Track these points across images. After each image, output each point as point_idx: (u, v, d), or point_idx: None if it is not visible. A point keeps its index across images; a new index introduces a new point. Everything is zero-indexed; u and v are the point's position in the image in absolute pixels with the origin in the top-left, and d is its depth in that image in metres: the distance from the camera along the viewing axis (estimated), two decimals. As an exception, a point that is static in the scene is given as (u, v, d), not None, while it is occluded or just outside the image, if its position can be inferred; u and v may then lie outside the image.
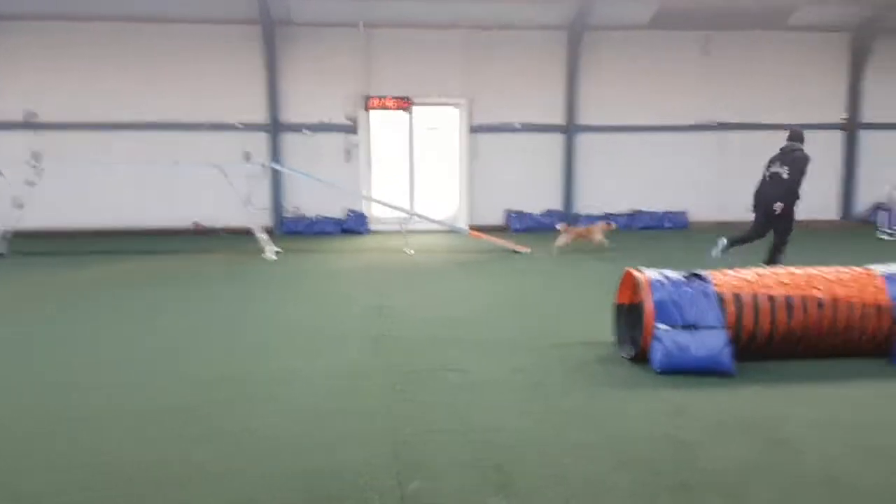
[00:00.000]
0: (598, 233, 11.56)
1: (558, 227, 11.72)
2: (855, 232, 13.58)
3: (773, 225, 9.21)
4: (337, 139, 14.54)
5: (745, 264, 6.24)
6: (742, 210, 14.73)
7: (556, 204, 14.89)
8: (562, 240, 11.38)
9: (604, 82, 14.65)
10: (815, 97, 14.81)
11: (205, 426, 4.22)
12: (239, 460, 3.75)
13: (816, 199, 14.86)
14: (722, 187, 14.82)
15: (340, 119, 14.53)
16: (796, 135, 9.37)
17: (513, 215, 14.66)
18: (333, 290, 8.75)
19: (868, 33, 14.29)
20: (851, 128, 14.83)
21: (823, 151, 14.92)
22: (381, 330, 6.57)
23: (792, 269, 5.73)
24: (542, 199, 14.90)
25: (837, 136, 14.93)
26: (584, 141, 14.78)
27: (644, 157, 14.87)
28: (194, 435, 4.09)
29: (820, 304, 5.41)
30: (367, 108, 14.42)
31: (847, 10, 13.95)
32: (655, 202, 14.87)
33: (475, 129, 14.67)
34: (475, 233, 12.52)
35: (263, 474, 3.59)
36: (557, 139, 14.79)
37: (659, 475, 3.61)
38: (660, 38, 14.50)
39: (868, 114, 14.78)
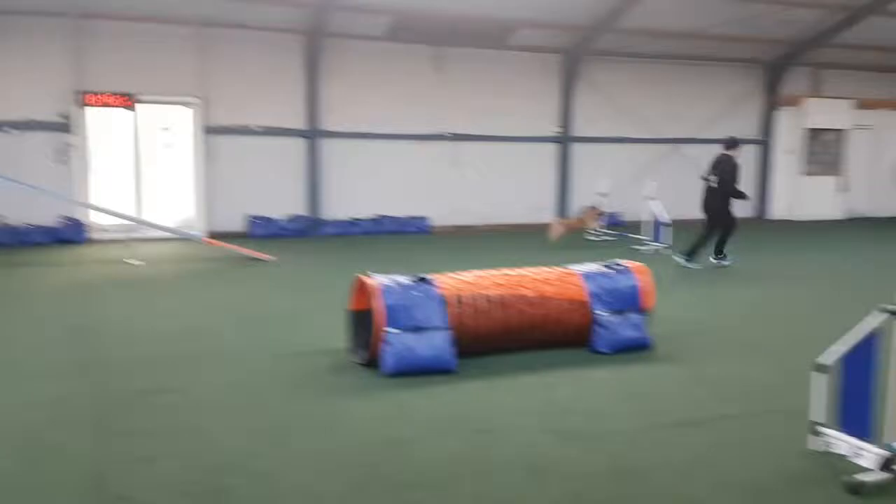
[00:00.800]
0: (590, 220, 13.43)
1: (552, 221, 13.19)
2: (572, 235, 15.09)
3: (718, 223, 10.44)
4: (47, 138, 13.02)
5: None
6: (480, 216, 15.93)
7: (302, 209, 14.72)
8: (556, 231, 12.54)
9: (345, 89, 14.77)
10: (535, 112, 16.29)
11: None
12: None
13: (538, 204, 16.41)
14: (459, 195, 15.70)
15: (52, 116, 13.02)
16: (728, 143, 10.58)
17: (255, 221, 14.22)
18: (38, 309, 7.77)
19: (577, 55, 16.04)
20: (564, 140, 16.54)
21: (543, 161, 16.51)
22: (92, 352, 5.96)
23: (506, 270, 6.20)
24: (286, 204, 14.63)
25: (553, 149, 16.55)
26: (327, 146, 14.79)
27: (386, 164, 15.25)
28: None
29: (529, 302, 5.91)
30: (83, 105, 13.06)
31: (559, 34, 15.52)
32: (399, 208, 15.32)
33: (211, 131, 13.99)
34: (211, 240, 11.92)
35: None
36: (300, 144, 14.63)
37: (376, 477, 3.68)
38: (397, 50, 14.98)
39: (577, 128, 16.59)
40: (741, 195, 10.47)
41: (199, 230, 13.47)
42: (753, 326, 7.12)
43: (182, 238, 12.49)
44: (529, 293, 5.94)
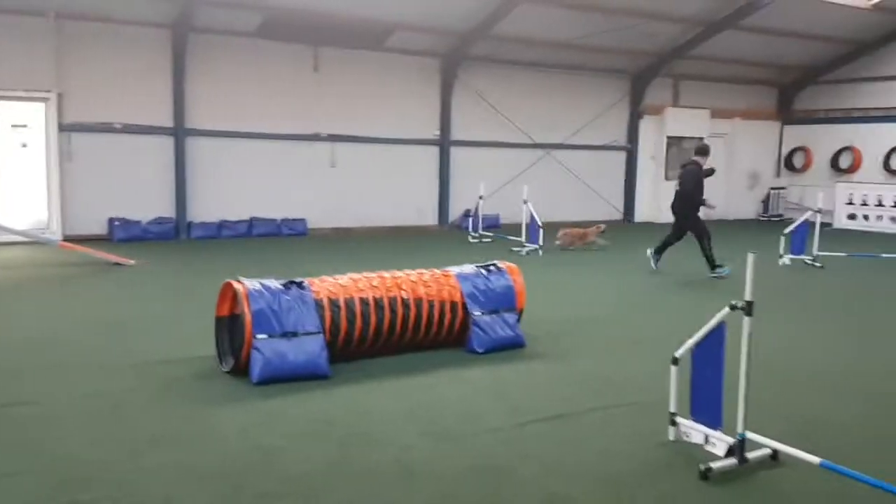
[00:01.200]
0: (592, 235, 13.23)
1: (559, 232, 13.05)
2: (450, 236, 15.30)
3: (684, 229, 10.35)
4: None
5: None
6: (359, 219, 15.78)
7: (168, 211, 14.05)
8: (564, 240, 12.58)
9: (215, 86, 14.24)
10: (415, 114, 16.37)
11: None
12: None
13: (418, 207, 16.50)
14: (337, 196, 15.51)
15: None
16: (697, 150, 10.51)
17: (116, 224, 13.42)
18: None
19: (455, 60, 16.25)
20: (444, 144, 16.71)
21: (422, 165, 16.59)
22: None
23: (383, 272, 6.16)
24: (151, 206, 13.90)
25: (433, 151, 16.69)
26: (195, 145, 14.20)
27: (260, 164, 14.83)
28: None
29: (406, 304, 5.91)
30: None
31: (436, 38, 15.67)
32: (273, 210, 14.93)
33: (68, 128, 13.09)
34: (67, 244, 11.15)
35: None
36: (166, 142, 13.96)
37: (240, 487, 3.55)
38: (270, 48, 14.61)
39: (455, 131, 16.81)
40: (701, 202, 10.18)
41: (54, 233, 12.57)
42: (622, 323, 7.45)
43: (36, 242, 11.60)
44: (406, 295, 5.94)
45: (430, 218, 16.79)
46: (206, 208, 14.36)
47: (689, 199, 10.09)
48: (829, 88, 20.05)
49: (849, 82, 19.47)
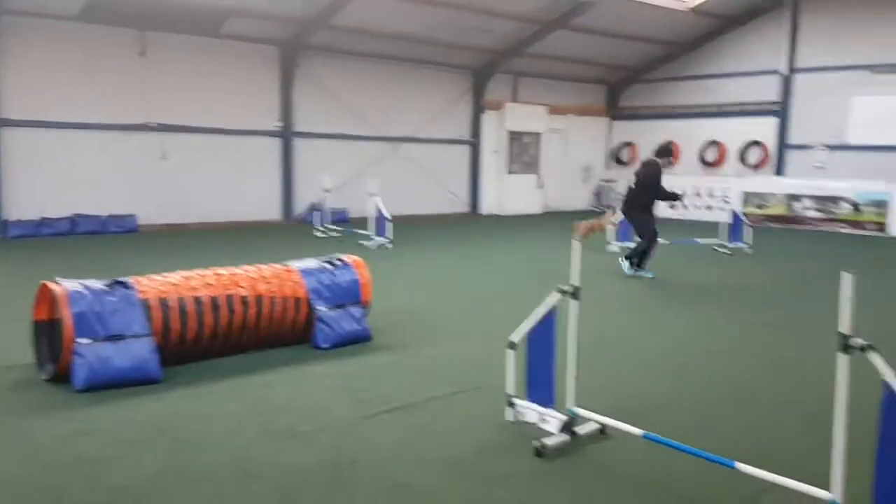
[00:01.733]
0: (607, 222, 12.75)
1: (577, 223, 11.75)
2: (296, 230, 14.98)
3: (636, 229, 10.05)
4: None
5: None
6: (196, 214, 15.03)
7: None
8: (581, 231, 11.31)
9: (31, 73, 13.05)
10: (254, 105, 15.84)
11: None
12: None
13: (260, 201, 16.02)
14: (170, 191, 14.71)
15: None
16: (658, 150, 10.00)
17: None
18: None
19: (295, 49, 15.89)
20: (287, 135, 16.31)
21: (263, 157, 16.11)
22: None
23: (219, 269, 5.91)
24: (-42, 203, 12.56)
25: (276, 143, 16.25)
26: (11, 137, 12.95)
27: (84, 156, 13.77)
28: None
29: (245, 302, 5.70)
30: None
31: (275, 25, 15.24)
32: (99, 206, 13.91)
33: None
34: None
35: None
36: (-26, 134, 12.65)
37: (62, 499, 3.29)
38: (94, 32, 13.59)
39: (299, 123, 16.46)
40: (671, 196, 9.95)
41: None
42: (471, 313, 7.63)
43: None
44: (244, 292, 5.73)
45: (274, 212, 16.38)
46: (24, 205, 13.17)
47: (646, 196, 9.67)
48: (651, 87, 21.60)
49: (669, 81, 21.07)
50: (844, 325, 2.89)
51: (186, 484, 3.53)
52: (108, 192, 14.05)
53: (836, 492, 3.01)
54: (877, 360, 2.84)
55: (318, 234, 13.96)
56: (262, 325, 5.84)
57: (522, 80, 20.27)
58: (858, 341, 2.87)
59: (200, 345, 5.53)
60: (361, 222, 13.69)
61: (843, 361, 2.93)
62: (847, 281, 2.86)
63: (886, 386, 2.84)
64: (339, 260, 6.49)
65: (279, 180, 16.38)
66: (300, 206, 16.51)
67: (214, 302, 5.54)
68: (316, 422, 4.37)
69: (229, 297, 5.63)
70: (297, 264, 6.32)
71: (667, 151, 9.93)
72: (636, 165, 21.47)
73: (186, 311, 5.39)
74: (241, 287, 5.75)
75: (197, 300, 5.46)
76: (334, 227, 14.30)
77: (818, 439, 3.91)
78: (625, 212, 10.16)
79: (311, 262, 6.40)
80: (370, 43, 16.49)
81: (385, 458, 3.87)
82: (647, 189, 9.65)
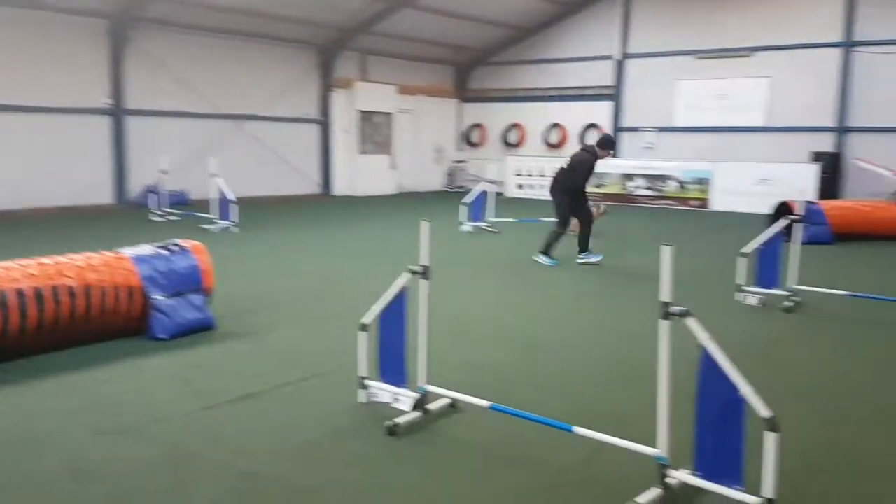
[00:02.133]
0: (597, 217, 11.11)
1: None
2: (130, 215, 14.08)
3: (567, 215, 9.53)
4: None
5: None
6: (16, 199, 13.68)
7: None
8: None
9: None
10: (82, 81, 14.64)
11: None
12: None
13: (91, 184, 14.89)
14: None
15: None
16: (600, 140, 9.54)
17: None
18: None
19: (126, 22, 14.81)
20: (118, 113, 15.21)
21: (92, 137, 14.96)
22: None
23: (42, 259, 5.43)
24: None
25: (106, 121, 15.12)
26: None
27: None
28: None
29: (72, 293, 5.29)
30: None
31: (102, -3, 14.16)
32: None
33: None
34: None
35: None
36: None
37: None
38: None
39: (132, 100, 15.40)
40: (582, 193, 9.53)
41: None
42: (321, 298, 7.48)
43: None
44: (71, 283, 5.31)
45: (106, 196, 15.29)
46: None
47: (572, 180, 9.40)
48: (497, 69, 22.16)
49: (514, 64, 21.71)
50: (665, 294, 3.10)
51: (12, 489, 3.23)
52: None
53: (661, 447, 3.25)
54: (693, 324, 3.08)
55: (156, 217, 13.20)
56: (93, 317, 5.44)
57: (371, 58, 20.12)
58: (677, 308, 3.09)
59: (25, 340, 5.08)
60: (204, 205, 13.07)
61: (664, 327, 3.15)
62: (666, 253, 3.07)
63: (702, 349, 3.08)
64: (177, 245, 6.15)
65: (111, 161, 15.29)
66: (135, 188, 15.52)
67: (38, 293, 5.09)
68: (154, 416, 4.14)
69: (54, 289, 5.19)
70: (129, 251, 5.93)
71: (608, 143, 9.64)
72: (486, 147, 22.20)
73: (7, 305, 4.91)
74: (68, 277, 5.32)
75: (19, 293, 4.99)
76: (173, 210, 13.56)
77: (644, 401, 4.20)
78: (550, 191, 9.69)
79: (145, 249, 6.01)
80: (208, 16, 15.70)
81: (230, 450, 3.73)
82: (574, 173, 9.39)
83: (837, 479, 3.55)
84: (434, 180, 22.17)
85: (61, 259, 5.47)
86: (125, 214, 14.27)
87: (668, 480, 3.22)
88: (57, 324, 5.23)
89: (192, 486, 3.36)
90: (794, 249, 7.17)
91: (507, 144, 21.93)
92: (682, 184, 18.02)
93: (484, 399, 4.08)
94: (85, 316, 5.38)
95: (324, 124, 19.32)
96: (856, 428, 4.19)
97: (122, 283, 5.59)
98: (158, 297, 5.69)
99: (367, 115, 19.93)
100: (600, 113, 20.16)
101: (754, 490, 2.98)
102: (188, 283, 5.93)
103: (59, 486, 3.31)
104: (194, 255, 6.10)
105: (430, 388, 4.19)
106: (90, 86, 14.80)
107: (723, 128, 18.29)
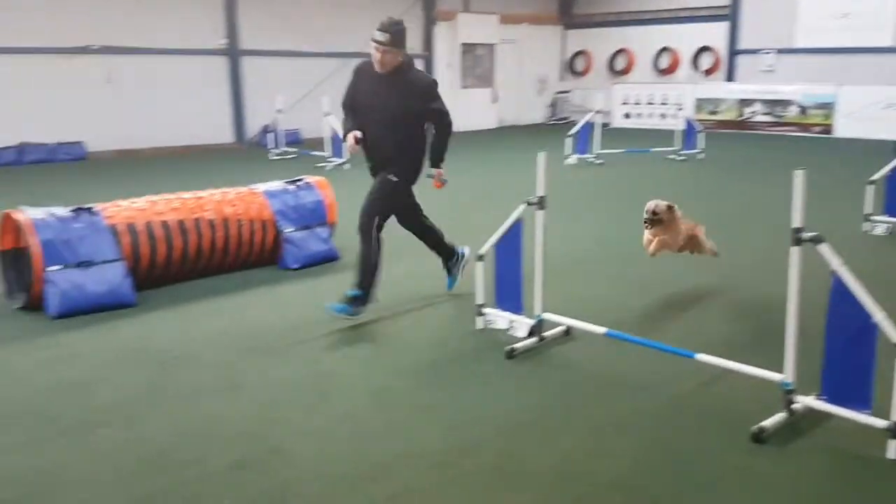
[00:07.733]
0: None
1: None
2: (250, 154, 14.73)
3: None
4: None
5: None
6: (147, 139, 14.63)
7: None
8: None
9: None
10: (199, 23, 15.22)
11: None
12: None
13: (212, 124, 15.63)
14: (119, 116, 14.25)
15: None
16: None
17: None
18: None
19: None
20: (233, 54, 15.78)
21: (211, 78, 15.62)
22: None
23: (182, 193, 5.89)
24: None
25: (223, 62, 15.73)
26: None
27: (26, 83, 13.20)
28: None
29: (212, 224, 5.73)
30: None
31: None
32: (46, 134, 13.46)
33: None
34: None
35: None
36: None
37: (55, 420, 3.41)
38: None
39: (246, 41, 15.92)
40: None
41: None
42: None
43: None
44: (210, 215, 5.75)
45: (227, 135, 16.03)
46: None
47: None
48: (603, -7, 21.31)
49: (621, -13, 20.81)
50: (796, 220, 3.08)
51: (175, 398, 3.66)
52: (54, 118, 13.56)
53: (787, 373, 3.28)
54: (825, 250, 3.05)
55: (273, 156, 13.77)
56: (231, 248, 5.89)
57: (473, -12, 19.79)
58: (809, 234, 3.07)
59: (170, 269, 5.58)
60: (317, 143, 13.50)
61: (794, 253, 3.13)
62: (798, 178, 3.04)
63: (834, 275, 3.06)
64: (303, 181, 6.50)
65: (229, 102, 15.96)
66: (253, 128, 16.17)
67: (182, 226, 5.56)
68: (292, 337, 4.51)
69: (196, 221, 5.65)
70: (260, 187, 6.32)
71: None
72: (591, 75, 21.57)
73: (154, 236, 5.41)
74: (207, 210, 5.76)
75: (164, 224, 5.47)
76: (289, 149, 14.09)
77: (768, 329, 4.20)
78: None
79: (275, 184, 6.40)
80: (316, -46, 15.86)
81: (365, 368, 4.05)
82: None
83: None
84: (536, 113, 21.85)
85: (201, 193, 5.92)
86: (245, 154, 14.94)
87: (793, 406, 3.26)
88: (199, 254, 5.70)
89: (335, 397, 3.69)
90: (929, 177, 6.77)
91: (614, 72, 21.23)
92: (803, 109, 17.02)
93: (600, 326, 4.19)
94: (223, 246, 5.83)
95: (427, 59, 19.31)
96: None
97: (256, 217, 6.00)
98: (289, 230, 6.07)
99: (469, 48, 19.73)
100: (714, 35, 19.13)
101: (882, 414, 2.99)
102: (315, 216, 6.29)
103: (215, 395, 3.71)
104: (319, 191, 6.44)
105: (547, 315, 4.34)
106: (206, 27, 15.38)
107: (848, 48, 16.99)
